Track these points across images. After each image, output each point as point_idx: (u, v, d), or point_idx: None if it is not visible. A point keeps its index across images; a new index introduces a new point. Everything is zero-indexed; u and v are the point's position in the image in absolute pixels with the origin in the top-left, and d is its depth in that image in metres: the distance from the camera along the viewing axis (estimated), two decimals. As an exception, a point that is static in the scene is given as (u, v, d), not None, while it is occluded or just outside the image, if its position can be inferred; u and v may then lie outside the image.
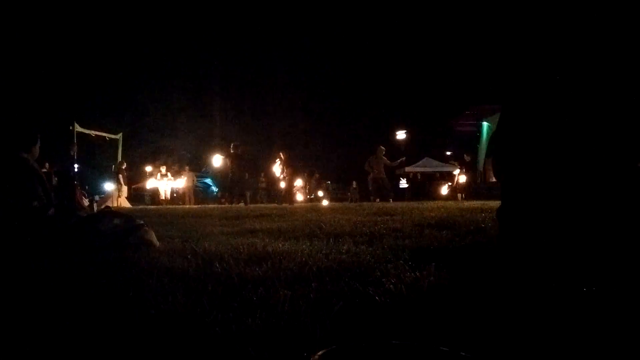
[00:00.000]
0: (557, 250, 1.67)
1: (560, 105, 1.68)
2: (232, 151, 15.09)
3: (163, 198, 17.95)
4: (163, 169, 18.65)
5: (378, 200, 15.13)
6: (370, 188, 22.33)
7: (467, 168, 18.95)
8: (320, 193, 15.68)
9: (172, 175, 18.56)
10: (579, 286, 1.51)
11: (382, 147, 15.87)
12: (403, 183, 17.70)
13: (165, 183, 18.17)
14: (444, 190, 17.27)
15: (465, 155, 19.19)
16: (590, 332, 1.19)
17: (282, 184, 15.65)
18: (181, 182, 18.74)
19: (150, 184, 18.65)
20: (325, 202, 14.78)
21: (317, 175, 19.11)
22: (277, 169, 15.45)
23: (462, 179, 18.74)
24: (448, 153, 22.15)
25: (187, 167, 20.09)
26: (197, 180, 28.71)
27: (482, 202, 11.48)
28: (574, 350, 1.10)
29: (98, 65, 26.38)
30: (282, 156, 15.14)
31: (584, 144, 1.62)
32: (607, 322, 1.26)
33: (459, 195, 17.26)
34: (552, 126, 1.68)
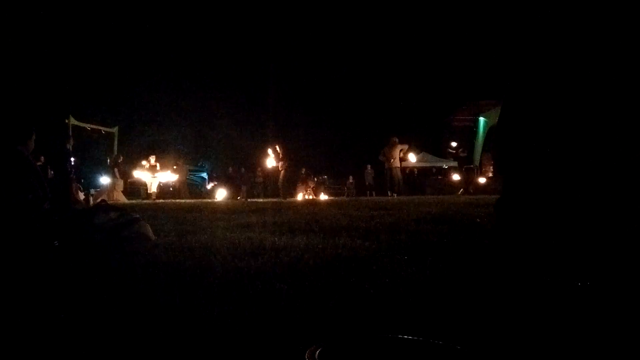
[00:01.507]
0: (556, 245, 1.67)
1: (564, 98, 1.68)
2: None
3: (150, 192, 16.57)
4: (152, 160, 17.07)
5: (393, 194, 14.68)
6: (367, 182, 22.27)
7: (464, 164, 18.91)
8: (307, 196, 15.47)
9: (162, 168, 17.22)
10: (575, 280, 1.52)
11: (396, 138, 15.36)
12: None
13: (153, 176, 16.75)
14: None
15: (459, 150, 19.02)
16: (583, 327, 1.20)
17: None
18: (172, 176, 18.05)
19: (136, 175, 17.15)
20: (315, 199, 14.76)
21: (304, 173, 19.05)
22: (271, 161, 15.32)
23: (456, 177, 18.50)
24: (454, 144, 21.61)
25: (180, 162, 19.85)
26: (193, 175, 28.57)
27: (477, 197, 11.51)
28: (567, 345, 1.10)
29: (93, 58, 26.21)
30: (277, 149, 15.05)
31: (587, 138, 1.63)
32: (600, 317, 1.27)
33: (463, 190, 16.93)
34: (555, 119, 1.68)
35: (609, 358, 1.05)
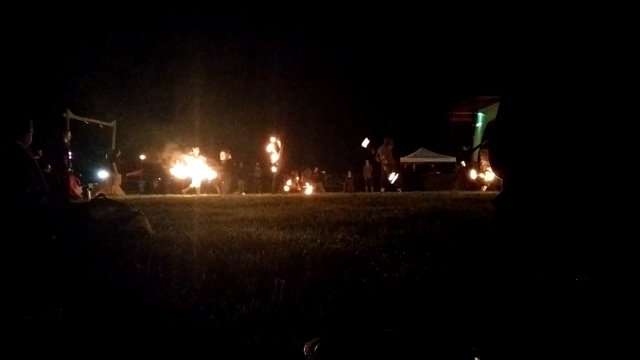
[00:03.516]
0: (554, 240, 1.67)
1: (562, 94, 1.68)
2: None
3: (193, 186, 14.79)
4: (196, 152, 15.32)
5: (383, 190, 14.73)
6: (366, 177, 22.23)
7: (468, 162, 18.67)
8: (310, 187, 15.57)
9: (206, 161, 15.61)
10: (573, 276, 1.52)
11: (389, 139, 15.35)
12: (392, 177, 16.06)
13: (199, 169, 15.00)
14: (473, 174, 16.20)
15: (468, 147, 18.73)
16: (581, 322, 1.21)
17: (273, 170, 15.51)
18: (212, 172, 16.15)
19: (179, 171, 15.25)
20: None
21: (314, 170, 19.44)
22: (275, 156, 15.30)
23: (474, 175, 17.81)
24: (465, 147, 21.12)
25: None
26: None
27: (475, 192, 11.52)
28: (566, 340, 1.11)
29: (91, 52, 26.11)
30: (278, 144, 15.05)
31: (585, 135, 1.63)
32: (596, 313, 1.27)
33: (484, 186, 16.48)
34: (553, 116, 1.68)
35: (608, 355, 1.05)
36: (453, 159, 25.52)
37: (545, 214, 1.72)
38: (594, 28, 1.65)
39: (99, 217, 3.24)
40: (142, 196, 13.37)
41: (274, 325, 1.21)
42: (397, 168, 14.90)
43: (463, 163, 19.19)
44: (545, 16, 1.81)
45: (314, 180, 18.29)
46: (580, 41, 1.67)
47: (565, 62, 1.70)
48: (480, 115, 21.69)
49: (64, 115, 16.11)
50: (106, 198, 3.71)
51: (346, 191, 20.38)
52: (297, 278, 1.73)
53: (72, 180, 12.42)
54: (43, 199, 3.57)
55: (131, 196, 13.37)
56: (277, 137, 15.36)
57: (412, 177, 22.52)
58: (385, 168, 15.13)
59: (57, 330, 1.23)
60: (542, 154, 1.71)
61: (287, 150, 15.07)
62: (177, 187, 15.31)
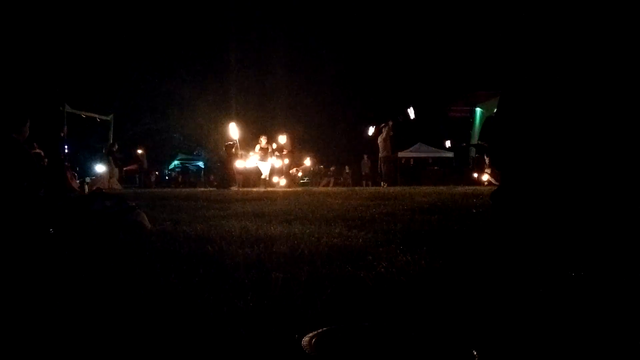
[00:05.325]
0: (551, 235, 1.68)
1: (561, 92, 1.68)
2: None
3: (264, 177, 14.04)
4: (263, 141, 14.45)
5: (385, 185, 14.53)
6: (364, 172, 22.23)
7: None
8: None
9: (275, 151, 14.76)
10: (568, 270, 1.53)
11: (383, 124, 15.12)
12: None
13: (269, 160, 14.21)
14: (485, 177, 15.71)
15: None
16: (576, 316, 1.21)
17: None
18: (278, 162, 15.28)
19: (248, 162, 14.37)
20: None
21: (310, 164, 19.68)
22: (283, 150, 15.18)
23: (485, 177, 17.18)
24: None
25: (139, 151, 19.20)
26: (189, 164, 28.35)
27: (473, 187, 11.53)
28: (563, 338, 1.11)
29: (88, 45, 25.91)
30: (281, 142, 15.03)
31: (583, 132, 1.63)
32: (593, 309, 1.28)
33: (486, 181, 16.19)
34: (552, 112, 1.68)
35: (608, 354, 1.06)
36: (451, 154, 25.55)
37: (542, 208, 1.72)
38: (594, 26, 1.65)
39: (96, 210, 3.23)
40: (140, 190, 13.35)
41: (272, 319, 1.21)
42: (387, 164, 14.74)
43: (473, 153, 18.79)
44: (546, 14, 1.80)
45: (324, 176, 19.04)
46: (580, 39, 1.67)
47: (565, 59, 1.70)
48: (478, 110, 21.65)
49: (61, 108, 16.05)
50: (103, 192, 3.70)
51: (344, 186, 20.41)
52: (295, 272, 1.73)
53: (69, 174, 12.39)
54: (40, 193, 3.56)
55: (128, 190, 13.35)
56: (287, 134, 15.38)
57: (410, 172, 22.54)
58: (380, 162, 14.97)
59: (55, 324, 1.23)
60: (540, 150, 1.71)
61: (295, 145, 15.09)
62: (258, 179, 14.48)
